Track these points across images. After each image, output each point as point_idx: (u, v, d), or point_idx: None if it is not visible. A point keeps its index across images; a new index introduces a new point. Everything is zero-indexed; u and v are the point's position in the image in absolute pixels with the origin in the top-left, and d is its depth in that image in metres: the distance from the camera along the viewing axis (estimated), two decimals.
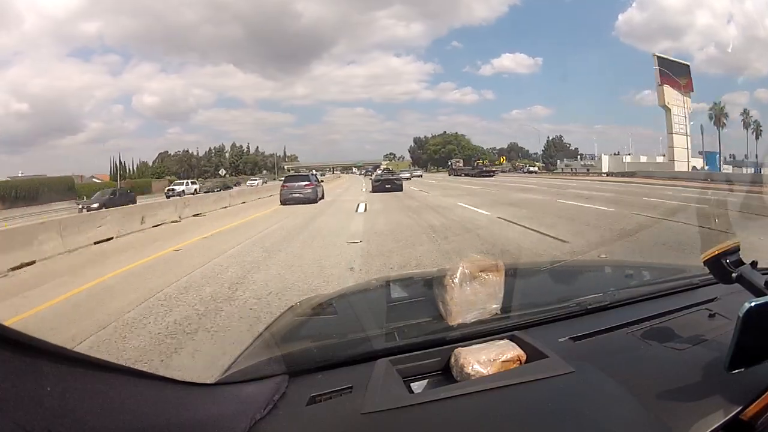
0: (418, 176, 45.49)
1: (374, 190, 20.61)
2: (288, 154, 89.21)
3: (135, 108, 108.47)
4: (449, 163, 64.66)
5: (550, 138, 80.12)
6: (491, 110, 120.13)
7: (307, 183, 15.63)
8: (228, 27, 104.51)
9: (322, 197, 16.96)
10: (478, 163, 59.53)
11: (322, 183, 18.65)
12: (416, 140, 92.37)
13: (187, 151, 79.92)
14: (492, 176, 42.03)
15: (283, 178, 18.25)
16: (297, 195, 14.99)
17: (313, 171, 25.17)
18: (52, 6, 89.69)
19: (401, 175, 28.34)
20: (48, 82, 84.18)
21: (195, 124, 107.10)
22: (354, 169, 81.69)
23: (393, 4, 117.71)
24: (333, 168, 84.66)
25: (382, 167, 49.66)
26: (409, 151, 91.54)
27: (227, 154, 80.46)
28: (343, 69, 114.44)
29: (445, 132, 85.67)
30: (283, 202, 14.88)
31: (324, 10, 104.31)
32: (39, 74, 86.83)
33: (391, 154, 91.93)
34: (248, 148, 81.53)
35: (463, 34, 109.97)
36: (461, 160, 66.04)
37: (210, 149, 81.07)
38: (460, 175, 49.86)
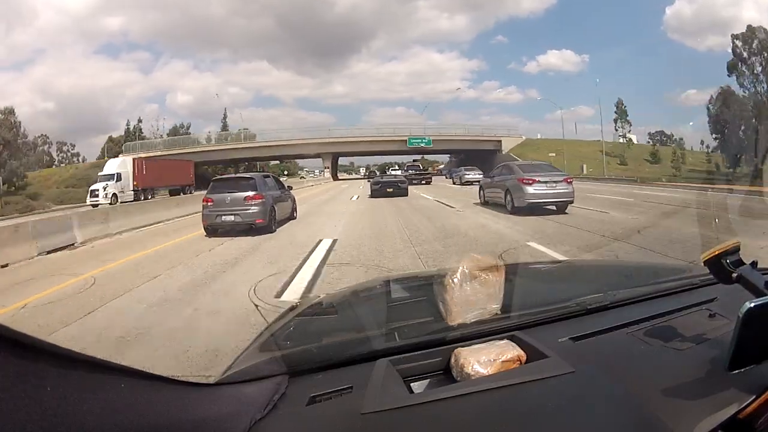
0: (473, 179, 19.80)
1: (373, 194, 17.25)
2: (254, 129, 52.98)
3: (169, 107, 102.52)
4: None
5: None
6: (535, 110, 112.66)
7: (251, 194, 8.66)
8: (258, 19, 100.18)
9: (292, 217, 10.52)
10: None
11: (290, 191, 11.03)
12: None
13: None
14: None
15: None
16: (231, 218, 8.50)
17: (266, 172, 12.27)
18: (72, 1, 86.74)
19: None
20: (75, 80, 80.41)
21: (231, 124, 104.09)
22: (358, 171, 63.47)
23: None
24: (366, 164, 65.80)
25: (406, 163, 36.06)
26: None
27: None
28: (383, 66, 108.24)
29: None
30: (209, 231, 8.65)
31: None
32: (64, 72, 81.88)
33: None
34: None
35: (510, 28, 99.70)
36: None
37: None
38: None
